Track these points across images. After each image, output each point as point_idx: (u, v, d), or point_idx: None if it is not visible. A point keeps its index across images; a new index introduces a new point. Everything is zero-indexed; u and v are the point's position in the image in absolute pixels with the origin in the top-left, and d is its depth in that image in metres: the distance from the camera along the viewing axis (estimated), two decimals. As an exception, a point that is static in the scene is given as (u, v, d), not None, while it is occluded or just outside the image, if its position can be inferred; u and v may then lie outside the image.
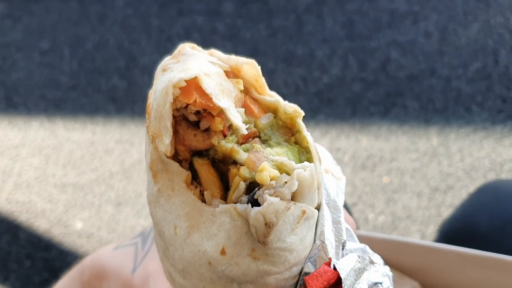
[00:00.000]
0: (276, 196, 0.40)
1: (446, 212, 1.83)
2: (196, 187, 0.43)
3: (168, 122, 0.41)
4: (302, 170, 0.41)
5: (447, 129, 2.03)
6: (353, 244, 0.50)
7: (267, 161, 0.42)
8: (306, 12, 2.40)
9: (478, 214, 0.92)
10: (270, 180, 0.40)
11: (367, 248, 0.51)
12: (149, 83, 2.26)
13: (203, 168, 0.43)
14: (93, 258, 0.72)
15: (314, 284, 0.45)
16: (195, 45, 0.48)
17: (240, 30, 2.42)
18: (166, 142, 0.41)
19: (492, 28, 2.22)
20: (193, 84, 0.41)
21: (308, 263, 0.46)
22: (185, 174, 0.43)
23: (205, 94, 0.41)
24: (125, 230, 2.03)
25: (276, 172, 0.40)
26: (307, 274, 0.45)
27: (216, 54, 0.48)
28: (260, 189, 0.40)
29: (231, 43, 2.39)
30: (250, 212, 0.39)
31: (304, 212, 0.42)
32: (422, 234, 1.83)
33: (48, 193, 2.18)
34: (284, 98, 0.48)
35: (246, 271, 0.43)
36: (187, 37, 2.44)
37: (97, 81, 2.42)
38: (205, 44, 2.39)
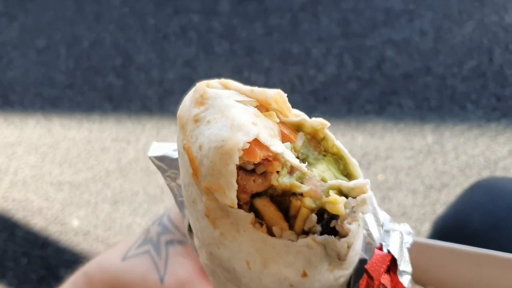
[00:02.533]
0: (353, 222, 0.42)
1: (441, 210, 1.84)
2: (261, 225, 0.44)
3: (233, 180, 0.41)
4: (368, 193, 0.43)
5: (442, 127, 2.04)
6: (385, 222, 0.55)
7: (326, 187, 0.43)
8: (301, 10, 2.40)
9: (470, 211, 0.93)
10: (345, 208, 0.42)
11: (385, 214, 0.56)
12: (145, 81, 2.26)
13: (266, 207, 0.44)
14: (101, 269, 0.70)
15: (377, 270, 0.49)
16: (209, 82, 0.48)
17: (236, 28, 2.42)
18: (232, 197, 0.42)
19: (487, 26, 2.23)
20: (253, 142, 0.41)
21: (360, 251, 0.50)
22: (250, 217, 0.43)
23: (263, 146, 0.41)
24: (122, 228, 2.04)
25: (344, 199, 0.42)
26: (362, 261, 0.50)
27: (232, 85, 0.48)
28: (338, 220, 0.42)
29: (227, 41, 2.39)
30: (336, 243, 0.42)
31: (363, 218, 0.45)
32: (417, 231, 1.84)
33: (45, 191, 2.18)
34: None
35: (325, 282, 0.46)
36: (183, 36, 2.44)
37: (93, 79, 2.42)
38: (202, 42, 2.39)
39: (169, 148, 0.62)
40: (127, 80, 2.38)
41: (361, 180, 0.44)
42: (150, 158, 0.63)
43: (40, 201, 2.16)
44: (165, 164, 0.62)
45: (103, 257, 0.71)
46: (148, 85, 2.34)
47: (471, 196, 0.99)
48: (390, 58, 2.21)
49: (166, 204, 2.05)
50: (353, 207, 0.42)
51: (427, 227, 1.84)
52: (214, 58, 2.35)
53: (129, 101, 2.33)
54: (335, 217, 0.43)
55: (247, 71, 2.28)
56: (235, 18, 2.45)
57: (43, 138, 2.32)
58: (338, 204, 0.42)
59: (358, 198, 0.42)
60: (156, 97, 2.30)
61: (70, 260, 2.00)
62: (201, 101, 0.45)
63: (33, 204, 2.16)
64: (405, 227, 0.57)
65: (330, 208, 0.42)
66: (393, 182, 1.95)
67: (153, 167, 2.12)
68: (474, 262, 0.68)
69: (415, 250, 0.70)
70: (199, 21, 2.48)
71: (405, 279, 0.53)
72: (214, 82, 0.48)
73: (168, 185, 0.63)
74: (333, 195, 0.42)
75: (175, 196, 0.63)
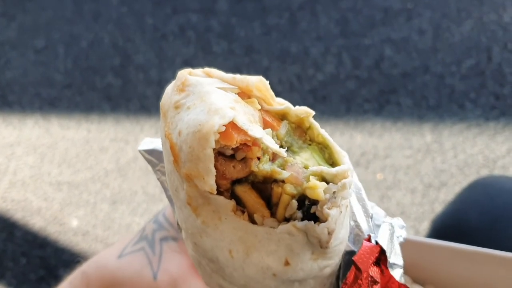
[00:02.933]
0: (333, 208, 0.42)
1: (440, 209, 1.84)
2: (243, 212, 0.44)
3: (211, 164, 0.41)
4: (350, 178, 0.43)
5: (440, 126, 2.04)
6: (375, 214, 0.55)
7: (308, 174, 0.43)
8: (300, 10, 2.41)
9: (468, 210, 0.94)
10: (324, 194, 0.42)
11: (380, 210, 0.56)
12: (143, 81, 2.26)
13: (247, 194, 0.44)
14: (97, 268, 0.70)
15: (365, 261, 0.49)
16: (191, 70, 0.48)
17: (235, 28, 2.42)
18: (210, 182, 0.41)
19: (485, 25, 2.23)
20: (229, 125, 0.41)
21: (348, 242, 0.50)
22: (231, 204, 0.43)
23: (240, 130, 0.41)
24: (121, 228, 2.04)
25: (324, 184, 0.42)
26: (350, 253, 0.50)
27: (215, 73, 0.48)
28: (318, 205, 0.42)
29: (225, 41, 2.39)
30: (315, 229, 0.42)
31: (347, 206, 0.45)
32: (416, 230, 1.84)
33: (44, 191, 2.18)
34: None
35: (310, 272, 0.46)
36: (182, 35, 2.44)
37: (91, 79, 2.42)
38: (200, 42, 2.40)
39: (160, 143, 0.61)
40: (126, 80, 2.38)
41: (343, 166, 0.44)
42: (140, 151, 0.63)
43: (39, 201, 2.16)
44: (154, 157, 0.62)
45: (100, 255, 0.72)
46: (146, 84, 2.34)
47: (469, 195, 1.00)
48: (388, 57, 2.21)
49: (165, 203, 2.05)
50: (334, 192, 0.42)
51: (425, 226, 1.84)
52: (213, 57, 2.35)
53: (127, 101, 2.33)
54: (315, 203, 0.43)
55: (246, 71, 2.28)
56: (234, 18, 2.45)
57: (42, 138, 2.32)
58: (317, 189, 0.42)
59: (339, 183, 0.42)
60: (155, 96, 2.31)
61: (69, 260, 2.00)
62: (182, 88, 0.46)
63: (32, 204, 2.16)
64: (397, 221, 0.57)
65: (310, 194, 0.42)
66: (392, 181, 1.95)
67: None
68: (472, 260, 0.68)
69: (413, 248, 0.71)
70: (197, 21, 2.48)
71: (396, 272, 0.52)
72: (197, 70, 0.48)
73: (158, 179, 0.63)
74: (313, 181, 0.42)
75: (165, 190, 0.62)
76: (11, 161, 2.29)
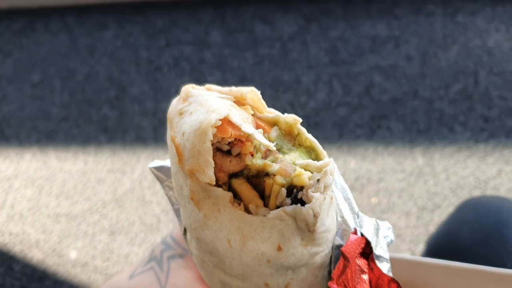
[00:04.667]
0: (317, 192, 0.47)
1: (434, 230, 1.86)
2: (239, 204, 0.50)
3: (210, 157, 0.47)
4: (331, 166, 0.48)
5: (431, 149, 2.07)
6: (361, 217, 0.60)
7: (296, 167, 0.49)
8: (290, 40, 2.45)
9: (460, 229, 0.96)
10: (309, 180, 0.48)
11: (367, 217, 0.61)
12: (139, 113, 2.29)
13: (242, 186, 0.50)
14: None
15: (352, 251, 0.54)
16: (194, 85, 0.55)
17: (228, 58, 2.46)
18: (210, 174, 0.47)
19: (471, 50, 2.28)
20: (225, 121, 0.47)
21: (337, 237, 0.55)
22: (229, 195, 0.49)
23: (235, 126, 0.48)
24: (120, 258, 2.04)
25: (309, 173, 0.48)
26: (338, 246, 0.55)
27: (214, 88, 0.55)
28: (303, 190, 0.48)
29: (219, 71, 2.43)
30: (302, 210, 0.47)
31: (332, 198, 0.50)
32: (412, 252, 1.85)
33: (42, 223, 2.19)
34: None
35: (300, 258, 0.51)
36: (176, 67, 2.48)
37: (88, 111, 2.45)
38: (194, 73, 2.44)
39: (168, 162, 0.67)
40: (122, 111, 2.41)
41: (325, 160, 0.50)
42: (150, 169, 0.69)
43: (37, 233, 2.16)
44: (163, 173, 0.68)
45: (113, 278, 0.75)
46: (142, 116, 2.37)
47: (460, 215, 1.03)
48: (378, 84, 2.25)
49: (163, 233, 2.06)
50: (318, 180, 0.48)
51: (421, 248, 1.85)
52: (207, 87, 2.37)
53: (123, 132, 2.35)
54: (302, 189, 0.48)
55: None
56: (226, 49, 2.50)
57: (40, 171, 2.33)
58: (302, 175, 0.48)
59: (325, 170, 0.48)
60: (151, 127, 2.33)
61: (68, 292, 1.99)
62: (185, 98, 0.52)
63: (30, 237, 2.16)
64: (384, 223, 0.62)
65: (296, 181, 0.48)
66: (386, 204, 1.97)
67: (148, 197, 2.14)
68: (469, 278, 0.70)
69: (410, 268, 0.73)
70: (191, 53, 2.52)
71: (384, 266, 0.57)
72: (199, 86, 0.55)
73: (166, 194, 0.69)
74: (299, 169, 0.48)
75: (172, 205, 0.68)
76: (8, 195, 2.29)
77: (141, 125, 2.35)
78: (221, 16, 2.58)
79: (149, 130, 2.32)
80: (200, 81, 2.41)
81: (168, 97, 2.37)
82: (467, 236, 0.93)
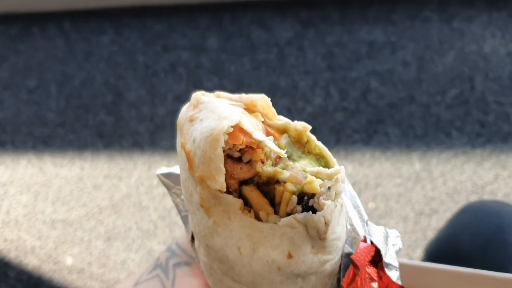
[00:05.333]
0: (328, 199, 0.47)
1: (432, 235, 1.86)
2: (249, 211, 0.49)
3: (221, 164, 0.46)
4: (342, 173, 0.48)
5: (428, 154, 2.07)
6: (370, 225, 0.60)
7: (306, 174, 0.49)
8: (287, 45, 2.46)
9: (460, 234, 0.96)
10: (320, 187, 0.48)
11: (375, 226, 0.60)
12: (136, 118, 2.28)
13: (253, 193, 0.49)
14: None
15: (362, 259, 0.54)
16: (204, 92, 0.54)
17: (225, 64, 2.46)
18: (220, 181, 0.47)
19: (467, 56, 2.29)
20: (236, 128, 0.47)
21: (346, 245, 0.55)
22: (239, 202, 0.48)
23: (246, 133, 0.47)
24: (116, 264, 2.03)
25: (320, 181, 0.48)
26: (348, 254, 0.54)
27: (224, 95, 0.55)
28: (314, 197, 0.47)
29: (216, 77, 2.43)
30: (313, 218, 0.46)
31: (342, 205, 0.50)
32: (409, 257, 1.85)
33: (38, 230, 2.17)
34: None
35: (311, 265, 0.50)
36: (173, 72, 2.48)
37: (84, 117, 2.44)
38: (191, 78, 2.44)
39: (176, 169, 0.67)
40: (118, 117, 2.40)
41: (336, 167, 0.49)
42: (157, 175, 0.69)
43: (33, 240, 2.15)
44: (171, 180, 0.68)
45: (117, 286, 0.75)
46: (139, 121, 2.37)
47: (461, 219, 1.03)
48: (375, 89, 2.26)
49: (160, 239, 2.05)
50: (329, 187, 0.47)
51: (419, 253, 1.85)
52: (204, 93, 2.37)
53: (120, 138, 2.35)
54: (313, 197, 0.48)
55: (237, 105, 2.31)
56: (223, 54, 2.50)
57: (35, 177, 2.32)
58: (313, 182, 0.47)
59: (336, 178, 0.48)
60: (147, 133, 2.33)
61: (64, 299, 1.98)
62: (196, 105, 0.52)
63: (25, 243, 2.14)
64: (393, 231, 0.61)
65: (307, 188, 0.47)
66: (384, 209, 1.98)
67: (145, 203, 2.13)
68: (470, 283, 0.70)
69: (410, 273, 0.72)
70: (188, 58, 2.52)
71: (393, 274, 0.56)
72: (209, 93, 0.55)
73: (173, 201, 0.68)
74: (310, 176, 0.48)
75: (179, 212, 0.68)
76: (4, 201, 2.28)
77: (138, 131, 2.34)
78: (218, 21, 2.59)
79: (146, 136, 2.32)
80: (197, 86, 2.41)
81: (165, 103, 2.37)
82: (467, 240, 0.93)
